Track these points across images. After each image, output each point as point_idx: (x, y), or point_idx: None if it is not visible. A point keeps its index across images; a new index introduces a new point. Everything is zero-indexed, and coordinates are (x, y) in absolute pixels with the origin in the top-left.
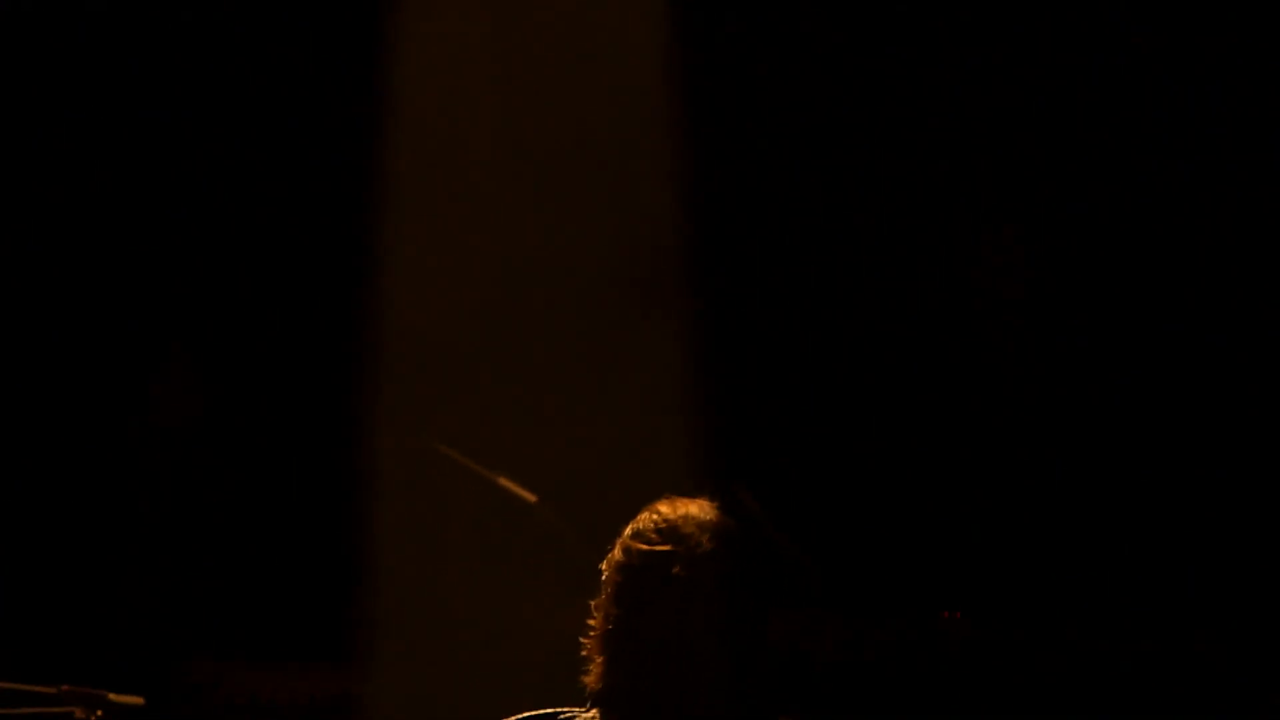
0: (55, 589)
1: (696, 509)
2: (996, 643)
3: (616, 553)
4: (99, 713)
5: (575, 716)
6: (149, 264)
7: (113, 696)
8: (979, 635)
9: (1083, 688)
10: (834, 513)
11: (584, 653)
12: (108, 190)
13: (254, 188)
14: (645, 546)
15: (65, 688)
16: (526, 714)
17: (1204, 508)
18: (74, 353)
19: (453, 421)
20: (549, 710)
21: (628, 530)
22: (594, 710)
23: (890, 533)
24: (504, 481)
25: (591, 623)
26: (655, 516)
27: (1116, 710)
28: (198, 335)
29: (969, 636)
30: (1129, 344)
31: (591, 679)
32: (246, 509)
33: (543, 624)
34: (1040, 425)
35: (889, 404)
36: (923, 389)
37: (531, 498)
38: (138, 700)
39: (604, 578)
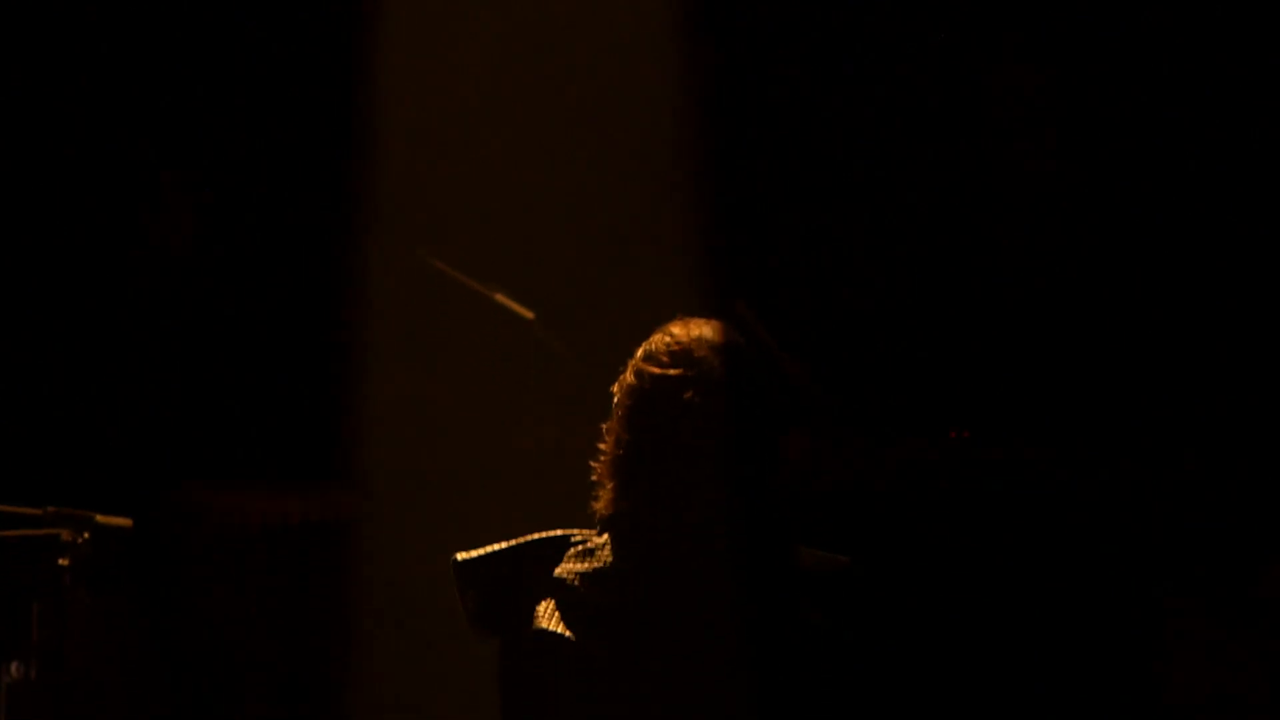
0: (42, 410)
1: (710, 331)
2: (1004, 462)
3: (628, 375)
4: (86, 535)
5: (586, 541)
6: (138, 88)
7: (100, 519)
8: (985, 454)
9: (1090, 506)
10: (836, 332)
11: (594, 477)
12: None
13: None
14: (658, 370)
15: (51, 509)
16: (535, 536)
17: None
18: (64, 178)
19: (447, 235)
20: (560, 533)
21: (639, 352)
22: (605, 535)
23: (894, 353)
24: (500, 297)
25: (602, 446)
26: (668, 339)
27: (1125, 531)
28: (187, 155)
29: (976, 456)
30: (1136, 152)
31: (601, 504)
32: (236, 330)
33: (540, 444)
34: (1049, 243)
35: (895, 220)
36: (932, 206)
37: (528, 314)
38: (125, 523)
39: (614, 401)
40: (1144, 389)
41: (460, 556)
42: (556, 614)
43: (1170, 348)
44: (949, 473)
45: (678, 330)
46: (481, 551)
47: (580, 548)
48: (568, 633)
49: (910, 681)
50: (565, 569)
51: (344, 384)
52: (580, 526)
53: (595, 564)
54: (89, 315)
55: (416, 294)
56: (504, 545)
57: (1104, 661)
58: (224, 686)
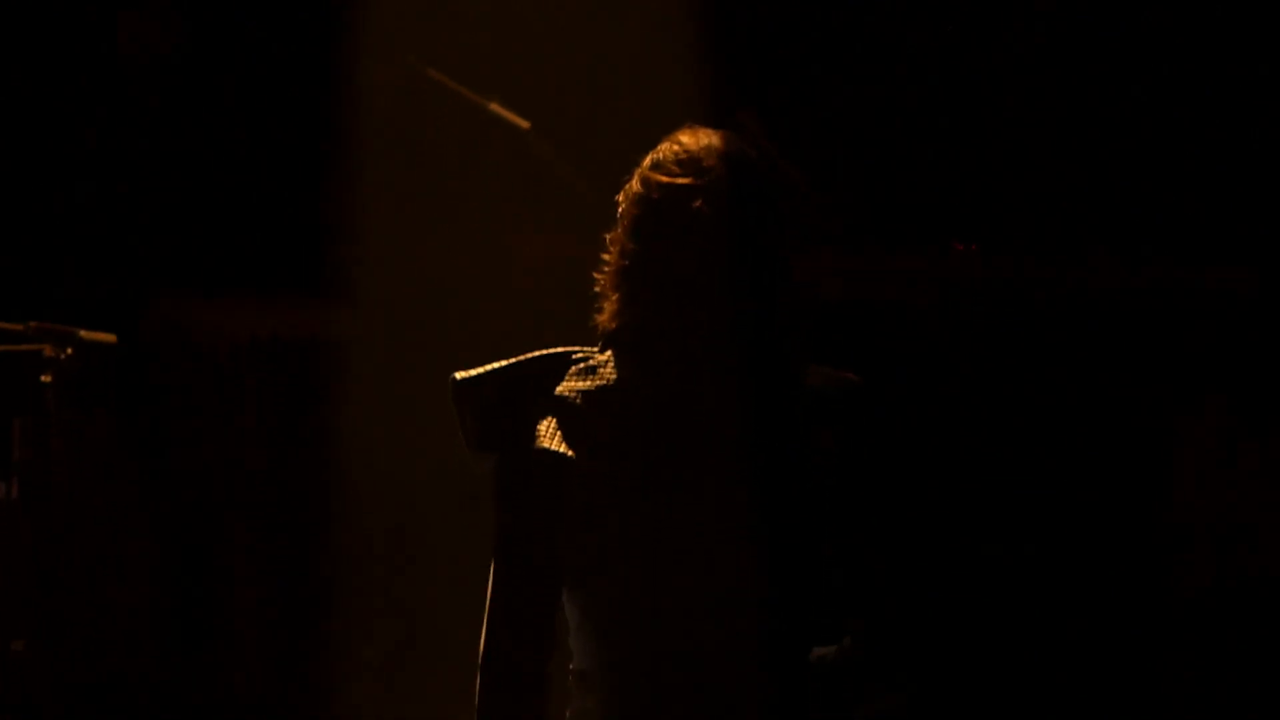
0: (23, 222)
1: (719, 140)
2: (1012, 277)
3: (634, 184)
4: (69, 351)
5: (589, 357)
6: None
7: (83, 334)
8: (993, 268)
9: (1096, 325)
10: (839, 143)
11: (596, 288)
12: None
13: None
14: (665, 179)
15: (34, 325)
16: (536, 354)
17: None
18: None
19: (440, 42)
20: (561, 350)
21: (646, 161)
22: (607, 352)
23: (899, 164)
24: (495, 107)
25: (605, 258)
26: (676, 147)
27: (1137, 343)
28: None
29: (983, 270)
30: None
31: (605, 317)
32: (225, 138)
33: (533, 257)
34: (1057, 48)
35: (900, 28)
36: (937, 13)
37: (524, 124)
38: (110, 338)
39: (619, 210)
40: (1156, 196)
41: (458, 376)
42: (558, 433)
43: (1182, 154)
44: (956, 286)
45: (686, 139)
46: (480, 370)
47: (582, 365)
48: (569, 451)
49: (917, 500)
50: (567, 387)
51: (335, 196)
52: (582, 345)
53: (598, 381)
54: (70, 125)
55: (409, 103)
56: (503, 364)
57: (1111, 482)
58: (210, 506)
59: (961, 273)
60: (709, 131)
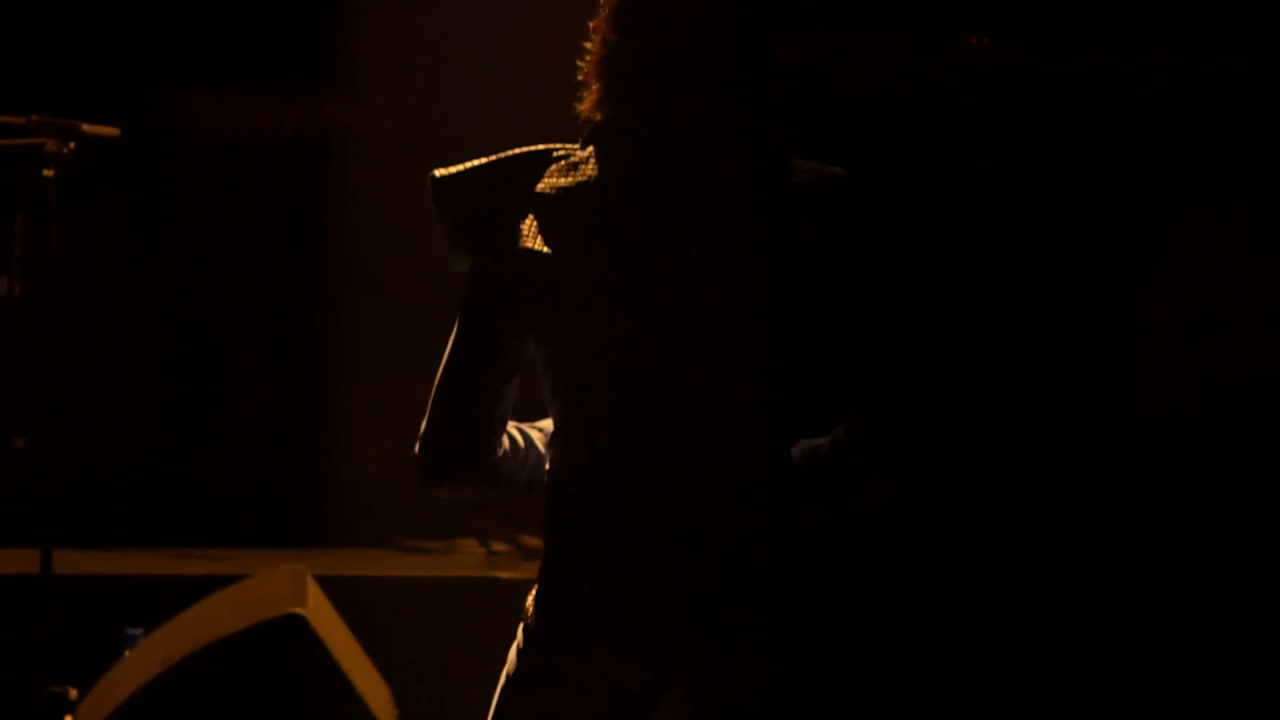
0: (24, 16)
1: None
2: (1025, 71)
3: None
4: (71, 145)
5: (571, 154)
6: None
7: (86, 128)
8: (1006, 62)
9: (1104, 118)
10: None
11: (580, 77)
12: None
13: None
14: None
15: (36, 118)
16: (516, 151)
17: None
18: None
19: None
20: (542, 147)
21: None
22: (589, 149)
23: None
24: None
25: (588, 47)
26: None
27: (1137, 142)
28: None
29: (996, 63)
30: None
31: (586, 107)
32: None
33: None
34: None
35: None
36: None
37: None
38: (113, 132)
39: None
40: None
41: (438, 173)
42: (537, 230)
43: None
44: (967, 78)
45: None
46: (460, 167)
47: (563, 162)
48: (548, 249)
49: (911, 291)
50: (547, 184)
51: None
52: (569, 142)
53: (579, 178)
54: None
55: None
56: (483, 161)
57: (1098, 280)
58: (212, 299)
59: (976, 64)
60: None
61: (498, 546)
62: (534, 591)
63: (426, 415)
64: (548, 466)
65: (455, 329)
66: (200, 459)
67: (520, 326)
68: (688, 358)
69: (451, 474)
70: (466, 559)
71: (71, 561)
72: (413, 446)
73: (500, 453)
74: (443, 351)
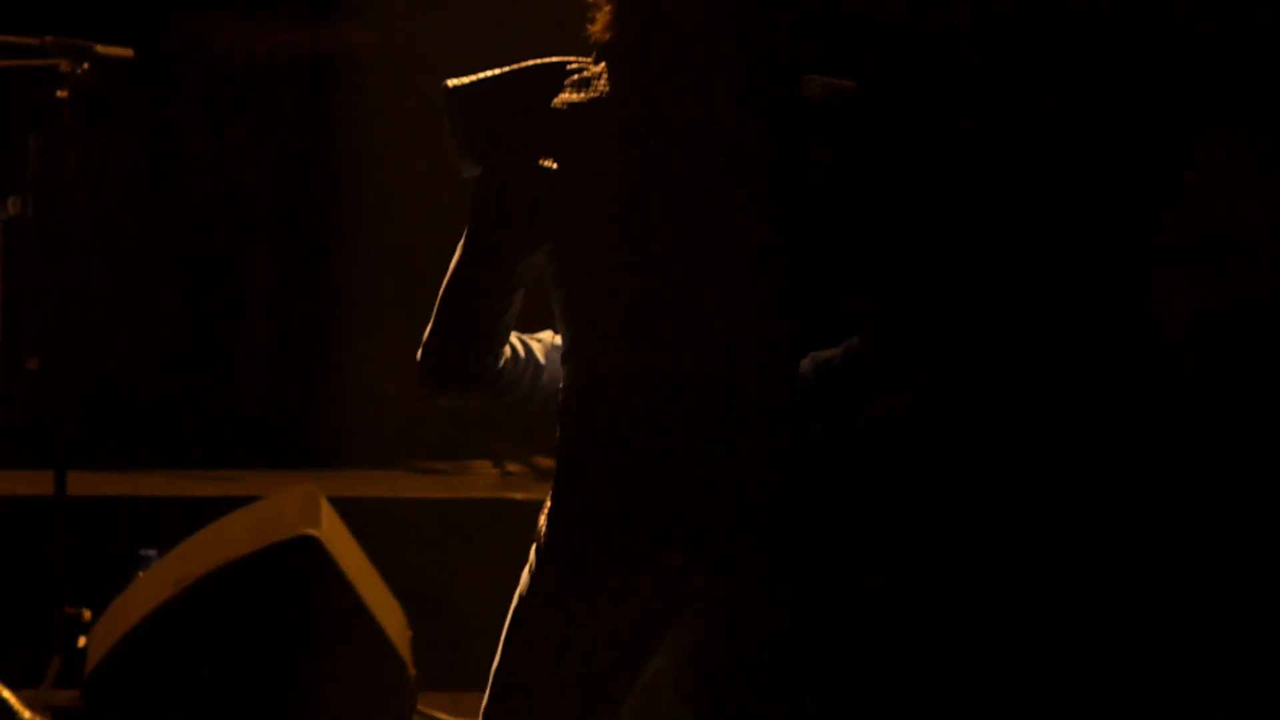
0: None
1: None
2: None
3: None
4: (85, 66)
5: (584, 69)
6: None
7: (100, 49)
8: None
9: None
10: None
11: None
12: None
13: None
14: None
15: (50, 39)
16: (531, 62)
17: None
18: None
19: None
20: (555, 60)
21: None
22: (602, 64)
23: None
24: None
25: None
26: None
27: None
28: None
29: None
30: None
31: (598, 28)
32: None
33: None
34: None
35: None
36: None
37: None
38: (127, 53)
39: None
40: None
41: (451, 83)
42: (548, 144)
43: None
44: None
45: None
46: (474, 78)
47: (576, 76)
48: (557, 164)
49: (924, 204)
50: (560, 99)
51: None
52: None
53: (591, 93)
54: None
55: None
56: (496, 72)
57: (1113, 199)
58: (226, 222)
59: None
60: None
61: (511, 467)
62: (545, 510)
63: (430, 323)
64: (561, 385)
65: (463, 239)
66: (213, 380)
67: (529, 240)
68: (699, 274)
69: (453, 382)
70: (480, 480)
71: (85, 483)
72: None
73: (501, 363)
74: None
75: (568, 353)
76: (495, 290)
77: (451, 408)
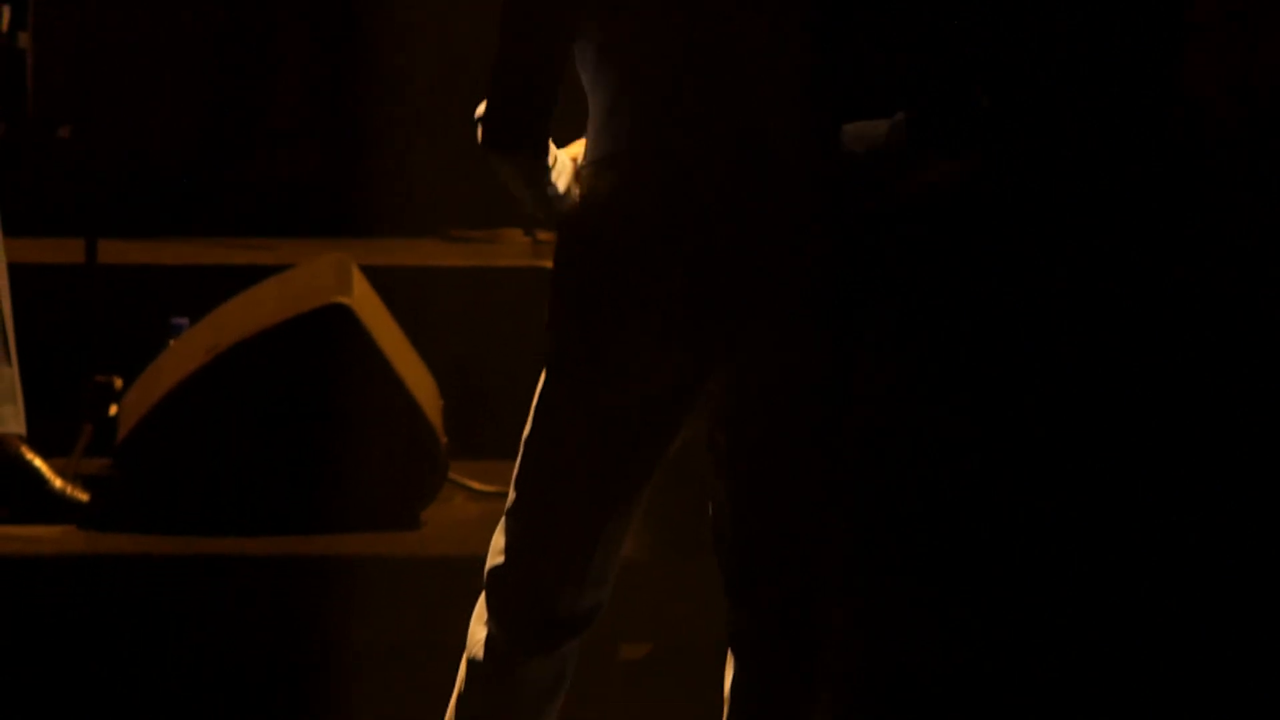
0: None
1: None
2: None
3: None
4: None
5: None
6: None
7: None
8: None
9: None
10: None
11: None
12: None
13: None
14: None
15: None
16: None
17: None
18: None
19: None
20: None
21: None
22: None
23: None
24: None
25: None
26: None
27: None
28: None
29: None
30: None
31: None
32: None
33: None
34: None
35: None
36: None
37: None
38: None
39: None
40: None
41: None
42: None
43: None
44: None
45: None
46: None
47: None
48: None
49: None
50: None
51: None
52: None
53: None
54: None
55: None
56: None
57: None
58: None
59: None
60: None
61: (543, 236)
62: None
63: (494, 77)
64: (584, 156)
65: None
66: (246, 148)
67: None
68: (745, 40)
69: (515, 137)
70: (512, 248)
71: (116, 251)
72: (465, 129)
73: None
74: (491, 35)
75: (600, 119)
76: (552, 36)
77: (500, 172)
